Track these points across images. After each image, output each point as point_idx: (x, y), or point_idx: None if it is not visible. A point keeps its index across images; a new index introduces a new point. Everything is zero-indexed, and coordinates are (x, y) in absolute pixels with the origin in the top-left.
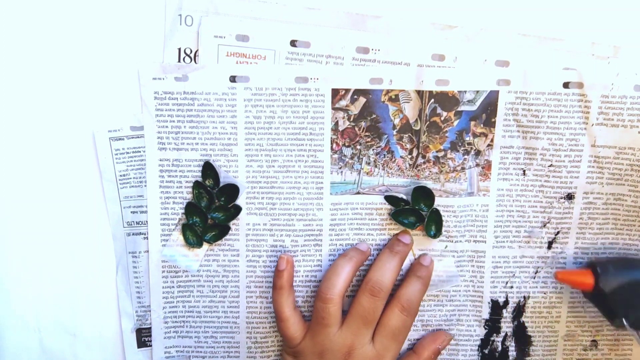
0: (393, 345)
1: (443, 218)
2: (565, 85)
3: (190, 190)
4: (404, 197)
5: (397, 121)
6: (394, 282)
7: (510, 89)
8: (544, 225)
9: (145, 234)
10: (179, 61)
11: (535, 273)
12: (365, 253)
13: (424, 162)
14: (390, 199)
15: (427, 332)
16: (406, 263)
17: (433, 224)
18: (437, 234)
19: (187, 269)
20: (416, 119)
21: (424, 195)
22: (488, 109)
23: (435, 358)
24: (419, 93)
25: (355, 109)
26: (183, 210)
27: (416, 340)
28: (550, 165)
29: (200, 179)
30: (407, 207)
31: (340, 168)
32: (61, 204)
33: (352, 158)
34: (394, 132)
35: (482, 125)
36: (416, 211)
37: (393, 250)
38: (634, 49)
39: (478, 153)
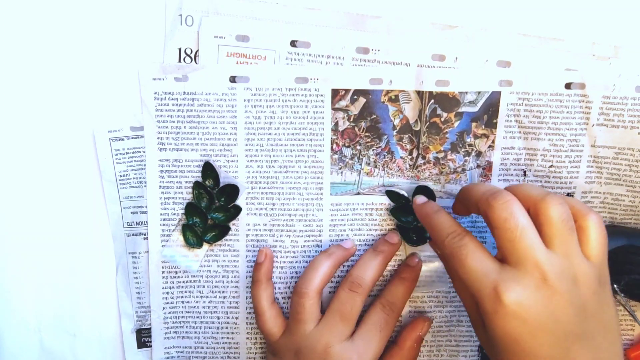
0: (374, 342)
1: None
2: (567, 86)
3: (190, 190)
4: (405, 194)
5: (397, 122)
6: (376, 280)
7: (513, 89)
8: None
9: (145, 235)
10: (179, 61)
11: None
12: (348, 250)
13: (424, 163)
14: (391, 195)
15: (407, 321)
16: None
17: None
18: None
19: (187, 270)
20: (416, 120)
21: (425, 194)
22: (489, 110)
23: (419, 346)
24: (419, 93)
25: (355, 109)
26: (183, 211)
27: None
28: (551, 166)
29: (200, 180)
30: (406, 204)
31: (340, 168)
32: (61, 204)
33: (352, 158)
34: (394, 133)
35: (483, 126)
36: None
37: (377, 249)
38: (634, 49)
39: (479, 154)
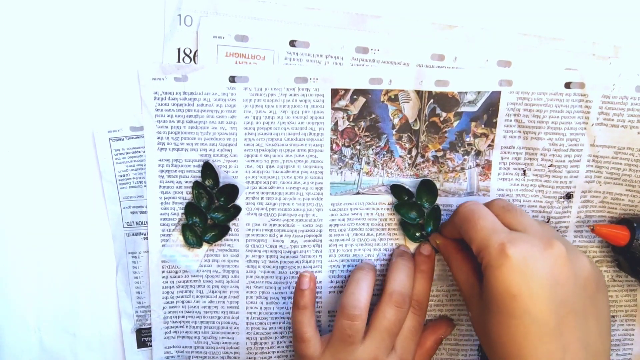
0: (412, 346)
1: (442, 218)
2: (567, 85)
3: (190, 190)
4: (410, 188)
5: (396, 121)
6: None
7: (512, 89)
8: None
9: (145, 234)
10: (179, 61)
11: None
12: (375, 269)
13: (423, 162)
14: (395, 191)
15: (431, 321)
16: None
17: (432, 220)
18: (433, 230)
19: (187, 269)
20: (415, 119)
21: (428, 190)
22: (489, 110)
23: (437, 347)
24: (419, 93)
25: (354, 109)
26: (183, 211)
27: None
28: (551, 165)
29: (199, 179)
30: (410, 201)
31: (340, 168)
32: (61, 204)
33: (351, 158)
34: (394, 132)
35: (483, 125)
36: (418, 206)
37: (404, 257)
38: (634, 49)
39: (478, 153)
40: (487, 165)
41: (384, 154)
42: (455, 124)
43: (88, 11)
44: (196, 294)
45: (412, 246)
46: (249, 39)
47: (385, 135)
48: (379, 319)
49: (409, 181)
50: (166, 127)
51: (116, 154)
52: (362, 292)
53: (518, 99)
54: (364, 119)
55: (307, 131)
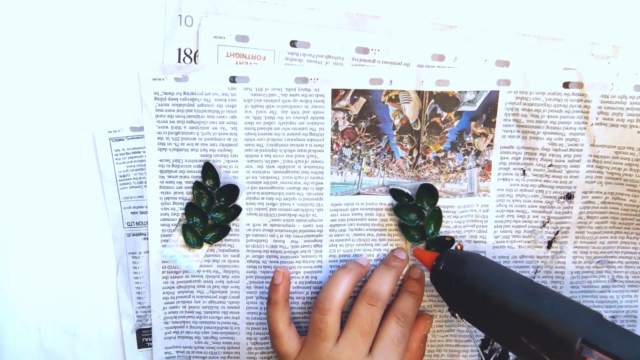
0: (393, 356)
1: (443, 219)
2: (565, 85)
3: (191, 190)
4: (409, 192)
5: (397, 121)
6: (391, 295)
7: (511, 89)
8: (544, 225)
9: (145, 235)
10: (179, 62)
11: (535, 273)
12: (364, 267)
13: (424, 163)
14: (394, 193)
15: None
16: None
17: (432, 222)
18: (434, 232)
19: (188, 270)
20: (416, 120)
21: (428, 193)
22: (488, 109)
23: (425, 345)
24: (419, 93)
25: (355, 110)
26: (183, 211)
27: None
28: (550, 165)
29: (200, 180)
30: (410, 203)
31: (340, 169)
32: (61, 204)
33: (352, 158)
34: (394, 133)
35: (482, 125)
36: (418, 208)
37: (389, 264)
38: (633, 49)
39: (478, 153)
40: (487, 166)
41: (384, 155)
42: (456, 123)
43: (88, 11)
44: (196, 294)
45: (412, 247)
46: (249, 39)
47: (386, 136)
48: (352, 316)
49: (409, 183)
50: (166, 127)
51: (116, 154)
52: (337, 289)
53: (516, 98)
54: (364, 119)
55: (308, 131)
